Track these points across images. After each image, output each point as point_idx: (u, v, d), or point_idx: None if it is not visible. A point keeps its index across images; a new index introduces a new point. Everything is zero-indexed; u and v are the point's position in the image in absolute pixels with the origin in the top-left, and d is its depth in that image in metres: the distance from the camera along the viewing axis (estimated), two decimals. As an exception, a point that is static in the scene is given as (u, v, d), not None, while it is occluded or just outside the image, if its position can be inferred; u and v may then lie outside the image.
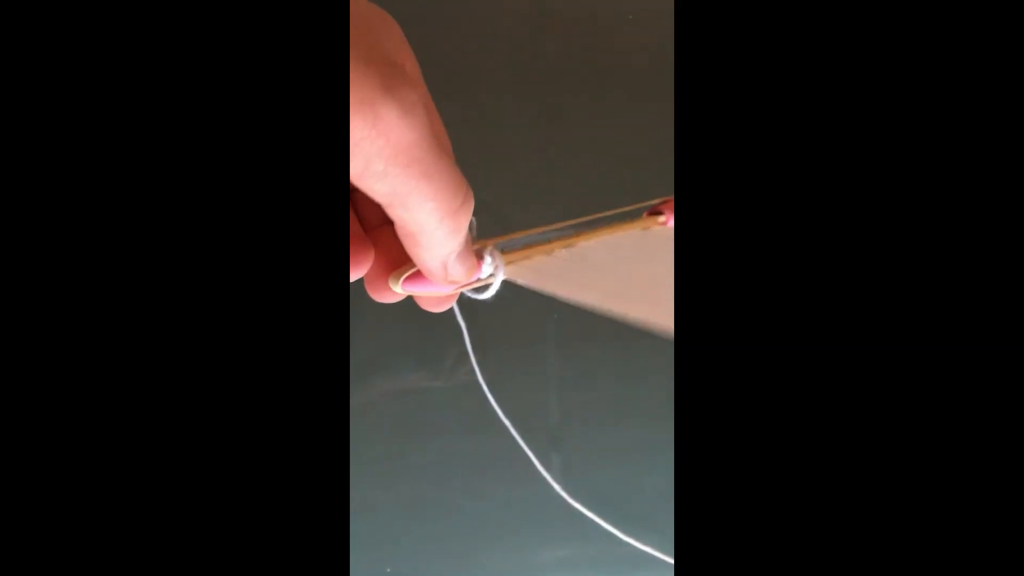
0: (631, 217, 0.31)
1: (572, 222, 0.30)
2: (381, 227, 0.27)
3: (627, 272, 0.29)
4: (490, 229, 0.51)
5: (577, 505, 0.49)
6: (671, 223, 0.32)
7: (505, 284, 0.29)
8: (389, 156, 0.20)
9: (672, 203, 0.32)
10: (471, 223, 0.25)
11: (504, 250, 0.28)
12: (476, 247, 0.27)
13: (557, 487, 0.49)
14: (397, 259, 0.26)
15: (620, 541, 0.49)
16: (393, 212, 0.22)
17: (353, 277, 0.26)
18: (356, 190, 0.22)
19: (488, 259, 0.27)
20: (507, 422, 0.48)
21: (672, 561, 0.49)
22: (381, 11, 0.23)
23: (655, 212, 0.32)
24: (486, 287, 0.28)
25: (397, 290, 0.26)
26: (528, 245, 0.28)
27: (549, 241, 0.29)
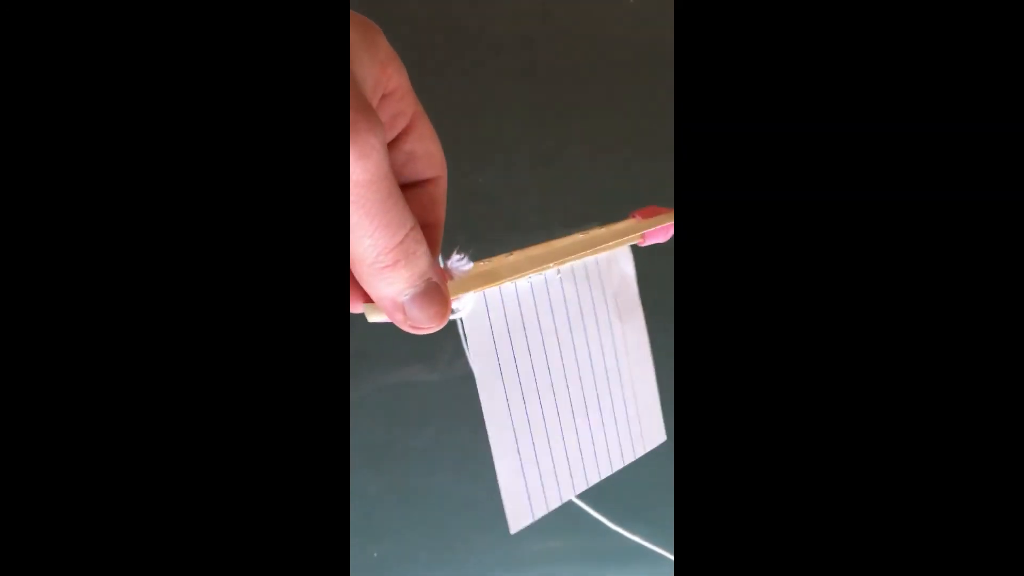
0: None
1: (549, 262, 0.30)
2: None
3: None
4: (491, 218, 0.51)
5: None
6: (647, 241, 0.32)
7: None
8: None
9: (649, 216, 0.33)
10: (454, 270, 0.26)
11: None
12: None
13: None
14: None
15: (608, 533, 0.49)
16: None
17: None
18: None
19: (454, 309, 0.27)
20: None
21: (660, 551, 0.49)
22: (366, 25, 0.24)
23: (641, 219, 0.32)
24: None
25: (371, 319, 0.26)
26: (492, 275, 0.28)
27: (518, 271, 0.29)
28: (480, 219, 0.54)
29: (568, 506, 0.49)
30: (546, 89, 0.60)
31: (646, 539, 0.49)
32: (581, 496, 0.48)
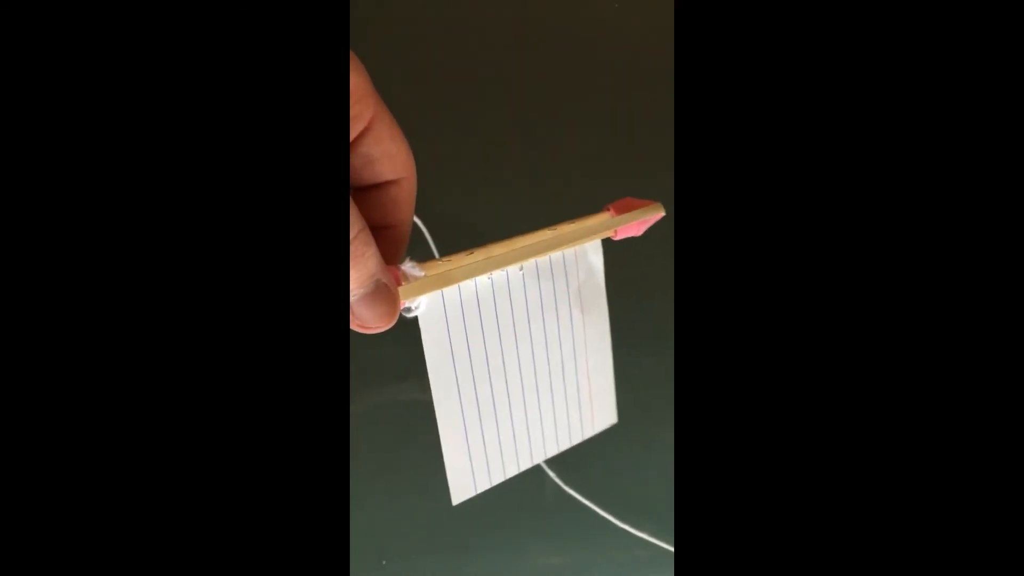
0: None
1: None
2: None
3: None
4: (480, 228, 0.49)
5: (569, 490, 0.49)
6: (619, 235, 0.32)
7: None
8: None
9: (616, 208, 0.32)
10: (408, 275, 0.27)
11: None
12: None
13: (551, 473, 0.49)
14: None
15: (619, 545, 0.49)
16: None
17: None
18: None
19: (408, 305, 0.28)
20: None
21: (665, 546, 0.49)
22: None
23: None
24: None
25: None
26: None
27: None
28: (467, 228, 0.54)
29: (584, 518, 0.49)
30: (537, 97, 0.59)
31: (653, 537, 0.49)
32: (588, 496, 0.48)
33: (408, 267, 0.27)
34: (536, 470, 0.50)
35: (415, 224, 0.50)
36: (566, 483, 0.50)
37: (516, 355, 0.31)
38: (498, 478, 0.31)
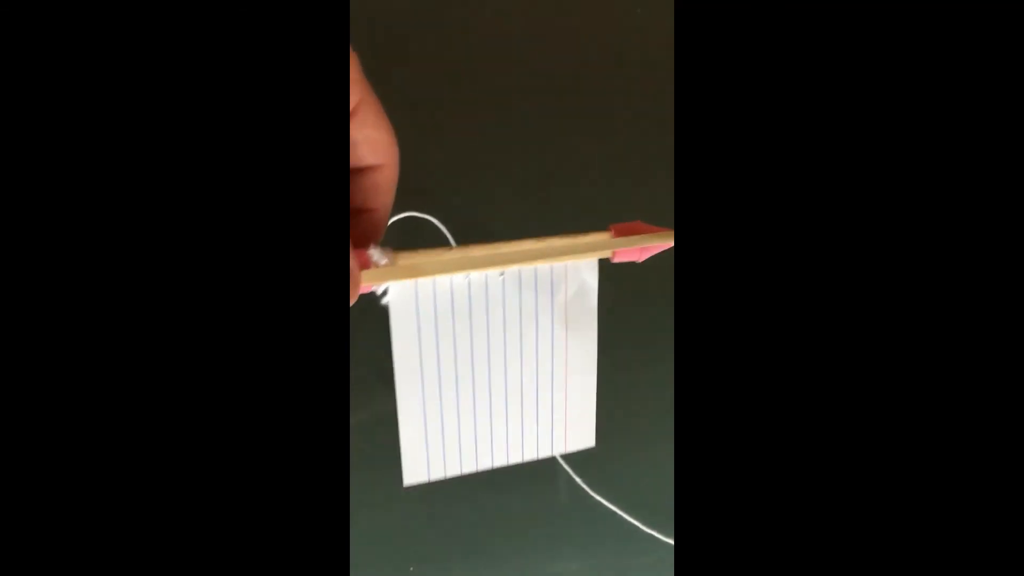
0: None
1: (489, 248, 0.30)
2: None
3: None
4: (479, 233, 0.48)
5: (594, 494, 0.49)
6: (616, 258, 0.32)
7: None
8: None
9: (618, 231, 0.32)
10: (375, 261, 0.27)
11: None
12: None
13: (574, 475, 0.49)
14: None
15: (638, 540, 0.49)
16: None
17: None
18: None
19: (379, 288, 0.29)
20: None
21: (662, 536, 0.49)
22: None
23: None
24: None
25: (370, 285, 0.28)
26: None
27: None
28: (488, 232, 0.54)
29: (607, 522, 0.48)
30: (541, 101, 0.59)
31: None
32: (611, 499, 0.48)
33: (375, 252, 0.28)
34: (559, 473, 0.50)
35: (436, 226, 0.50)
36: (589, 486, 0.50)
37: (487, 357, 0.31)
38: (454, 470, 0.32)
